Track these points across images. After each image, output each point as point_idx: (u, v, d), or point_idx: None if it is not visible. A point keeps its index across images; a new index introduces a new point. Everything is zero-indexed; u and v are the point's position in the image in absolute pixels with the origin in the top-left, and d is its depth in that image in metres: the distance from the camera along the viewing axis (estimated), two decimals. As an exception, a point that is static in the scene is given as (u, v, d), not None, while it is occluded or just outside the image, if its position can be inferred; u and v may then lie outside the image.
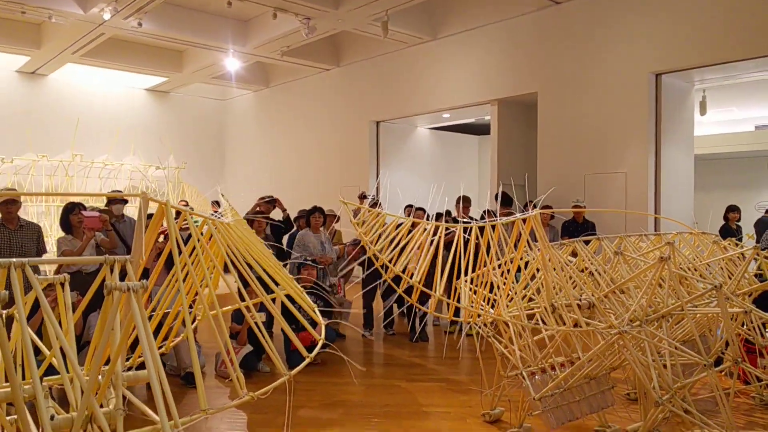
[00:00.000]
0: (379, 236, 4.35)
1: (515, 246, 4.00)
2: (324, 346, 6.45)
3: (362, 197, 7.91)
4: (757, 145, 12.50)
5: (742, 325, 4.50)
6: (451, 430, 4.46)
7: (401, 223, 4.31)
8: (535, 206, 3.87)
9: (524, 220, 3.78)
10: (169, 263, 3.47)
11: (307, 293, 6.40)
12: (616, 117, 9.20)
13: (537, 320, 4.12)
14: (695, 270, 4.32)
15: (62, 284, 2.24)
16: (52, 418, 1.72)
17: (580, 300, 3.69)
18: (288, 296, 3.75)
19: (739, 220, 9.24)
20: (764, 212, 10.62)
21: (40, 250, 5.82)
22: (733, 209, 9.08)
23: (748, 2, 7.76)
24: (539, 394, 3.65)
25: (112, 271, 1.89)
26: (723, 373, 4.49)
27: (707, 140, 12.51)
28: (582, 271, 4.08)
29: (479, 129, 15.22)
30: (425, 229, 4.13)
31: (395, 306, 8.27)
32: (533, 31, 10.29)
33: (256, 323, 2.59)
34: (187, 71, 14.66)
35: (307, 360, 2.82)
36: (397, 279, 4.48)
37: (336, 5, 10.31)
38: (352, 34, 12.46)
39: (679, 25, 8.42)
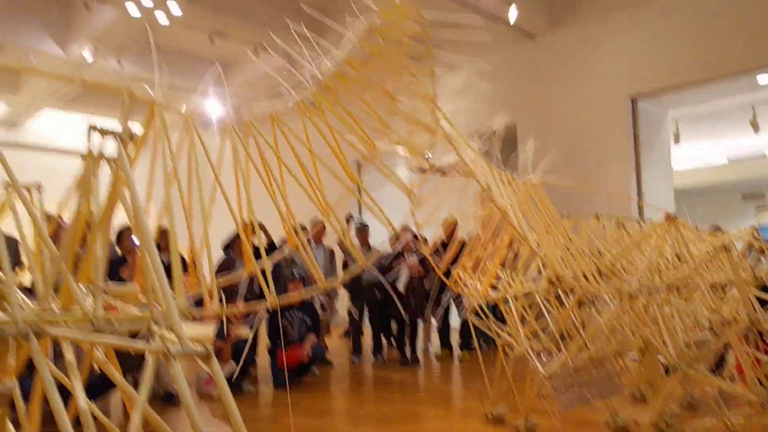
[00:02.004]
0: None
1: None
2: (310, 365, 6.18)
3: (349, 219, 7.78)
4: (731, 177, 12.75)
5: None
6: (452, 431, 4.17)
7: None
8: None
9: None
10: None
11: (296, 309, 6.16)
12: (595, 142, 9.32)
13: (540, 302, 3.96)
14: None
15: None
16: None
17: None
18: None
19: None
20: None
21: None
22: (717, 229, 9.11)
23: (714, 24, 8.05)
24: (549, 371, 3.43)
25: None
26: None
27: (681, 174, 12.72)
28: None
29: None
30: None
31: (383, 336, 8.00)
32: (510, 65, 10.53)
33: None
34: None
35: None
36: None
37: (317, 41, 10.47)
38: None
39: (650, 49, 8.69)
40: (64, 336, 1.33)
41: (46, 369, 1.22)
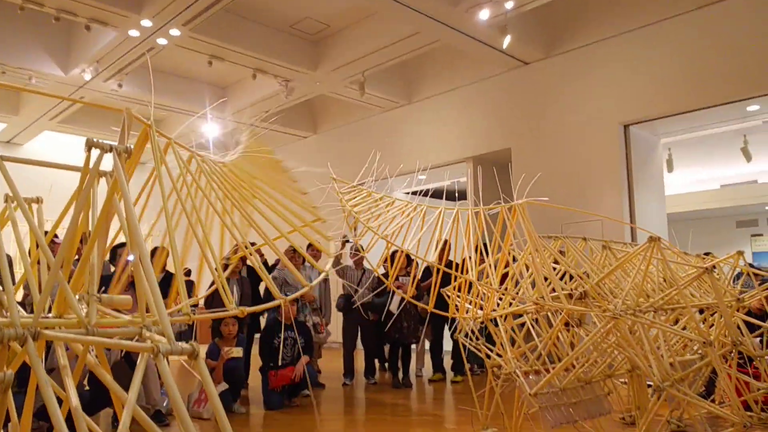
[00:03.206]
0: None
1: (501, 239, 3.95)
2: (304, 386, 6.18)
3: (345, 242, 7.83)
4: (724, 203, 12.88)
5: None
6: (442, 452, 4.18)
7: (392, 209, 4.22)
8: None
9: (510, 210, 3.75)
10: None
11: (287, 328, 6.19)
12: (588, 168, 9.44)
13: (527, 322, 4.00)
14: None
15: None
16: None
17: (571, 290, 3.61)
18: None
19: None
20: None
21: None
22: (708, 255, 9.18)
23: (704, 53, 8.24)
24: (534, 389, 3.47)
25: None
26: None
27: (674, 199, 12.85)
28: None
29: (455, 194, 15.43)
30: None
31: (377, 360, 8.00)
32: (505, 91, 10.72)
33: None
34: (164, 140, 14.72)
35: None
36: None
37: (314, 67, 10.65)
38: (329, 99, 12.82)
39: (641, 77, 8.87)
40: (59, 337, 1.38)
41: (42, 370, 1.27)
